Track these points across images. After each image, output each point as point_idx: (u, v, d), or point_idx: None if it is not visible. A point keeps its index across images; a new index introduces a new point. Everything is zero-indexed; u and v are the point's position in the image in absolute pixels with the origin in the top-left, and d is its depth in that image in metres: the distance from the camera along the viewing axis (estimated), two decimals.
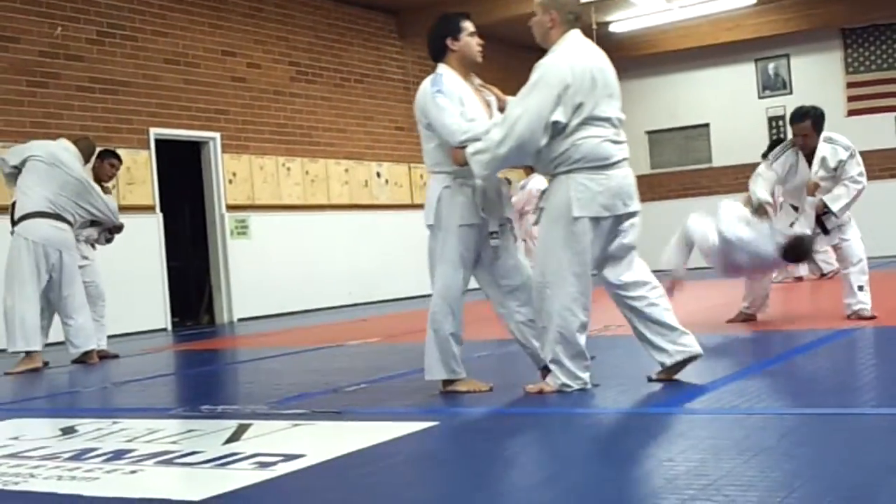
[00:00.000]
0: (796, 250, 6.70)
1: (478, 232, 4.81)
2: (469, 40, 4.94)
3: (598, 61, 4.62)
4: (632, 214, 4.63)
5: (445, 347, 4.85)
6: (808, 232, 6.94)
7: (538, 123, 4.45)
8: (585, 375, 4.59)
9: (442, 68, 4.91)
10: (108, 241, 8.59)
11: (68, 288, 7.87)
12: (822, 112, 7.07)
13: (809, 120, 6.94)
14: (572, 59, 4.55)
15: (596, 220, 4.52)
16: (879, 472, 2.85)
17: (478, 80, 4.99)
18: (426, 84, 4.85)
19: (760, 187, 7.08)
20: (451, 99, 4.70)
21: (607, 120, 4.57)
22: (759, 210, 6.89)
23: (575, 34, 4.67)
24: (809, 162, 7.03)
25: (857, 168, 7.01)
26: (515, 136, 4.46)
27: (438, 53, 4.99)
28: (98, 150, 8.62)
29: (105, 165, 8.50)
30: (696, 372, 4.72)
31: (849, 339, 6.13)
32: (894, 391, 4.33)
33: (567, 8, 4.68)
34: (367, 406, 4.75)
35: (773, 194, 7.19)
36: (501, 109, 4.88)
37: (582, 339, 4.56)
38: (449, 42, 4.93)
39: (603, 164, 4.53)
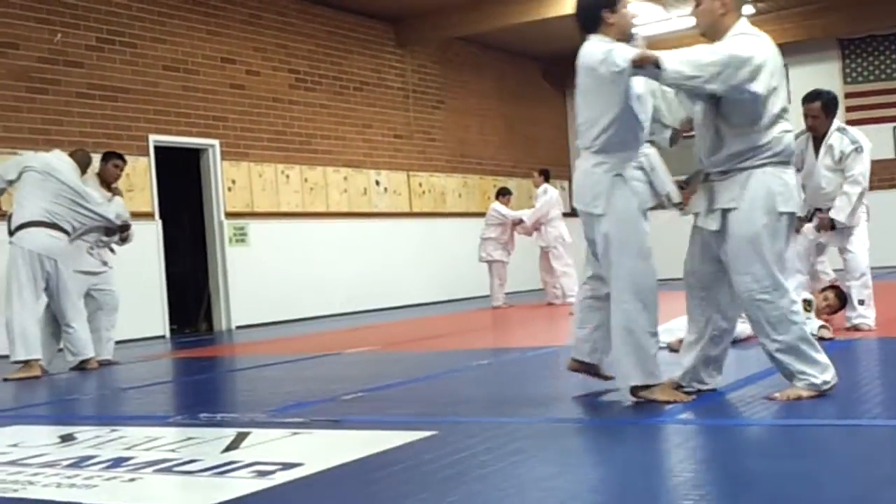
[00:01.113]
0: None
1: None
2: (626, 12, 4.50)
3: None
4: None
5: (642, 347, 4.35)
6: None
7: (740, 64, 4.08)
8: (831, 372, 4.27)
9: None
10: (124, 241, 8.63)
11: (65, 296, 7.88)
12: (835, 96, 6.99)
13: (820, 101, 6.85)
14: (764, 40, 4.26)
15: (792, 218, 4.33)
16: (876, 484, 2.85)
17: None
18: (593, 47, 4.37)
19: None
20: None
21: (786, 111, 4.38)
22: None
23: (746, 21, 4.37)
24: (817, 150, 6.94)
25: (859, 166, 6.85)
26: (723, 61, 4.08)
27: (592, 25, 4.49)
28: (103, 153, 8.84)
29: (109, 167, 8.64)
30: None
31: (847, 349, 6.13)
32: (890, 402, 4.33)
33: None
34: (365, 415, 4.74)
35: None
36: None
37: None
38: (605, 14, 4.45)
39: (788, 160, 4.36)
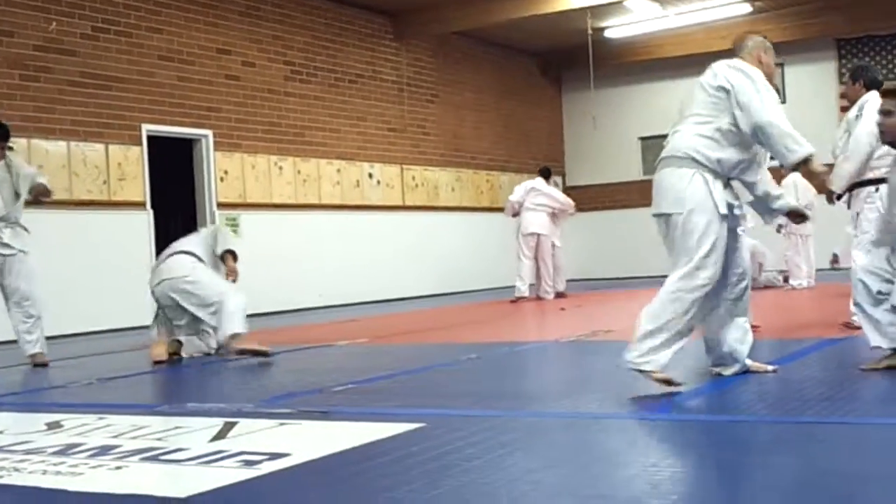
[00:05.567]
0: None
1: None
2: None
3: None
4: None
5: None
6: None
7: None
8: None
9: None
10: None
11: None
12: (865, 66, 6.93)
13: (848, 73, 6.96)
14: None
15: None
16: (859, 481, 2.85)
17: None
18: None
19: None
20: None
21: None
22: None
23: None
24: None
25: (856, 132, 6.42)
26: None
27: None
28: None
29: None
30: (686, 377, 4.72)
31: (843, 346, 6.13)
32: (886, 400, 4.33)
33: None
34: (353, 406, 4.74)
35: None
36: None
37: None
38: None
39: None
